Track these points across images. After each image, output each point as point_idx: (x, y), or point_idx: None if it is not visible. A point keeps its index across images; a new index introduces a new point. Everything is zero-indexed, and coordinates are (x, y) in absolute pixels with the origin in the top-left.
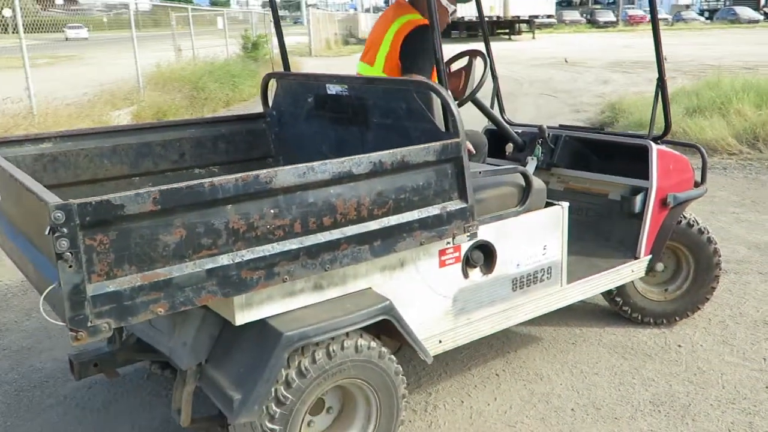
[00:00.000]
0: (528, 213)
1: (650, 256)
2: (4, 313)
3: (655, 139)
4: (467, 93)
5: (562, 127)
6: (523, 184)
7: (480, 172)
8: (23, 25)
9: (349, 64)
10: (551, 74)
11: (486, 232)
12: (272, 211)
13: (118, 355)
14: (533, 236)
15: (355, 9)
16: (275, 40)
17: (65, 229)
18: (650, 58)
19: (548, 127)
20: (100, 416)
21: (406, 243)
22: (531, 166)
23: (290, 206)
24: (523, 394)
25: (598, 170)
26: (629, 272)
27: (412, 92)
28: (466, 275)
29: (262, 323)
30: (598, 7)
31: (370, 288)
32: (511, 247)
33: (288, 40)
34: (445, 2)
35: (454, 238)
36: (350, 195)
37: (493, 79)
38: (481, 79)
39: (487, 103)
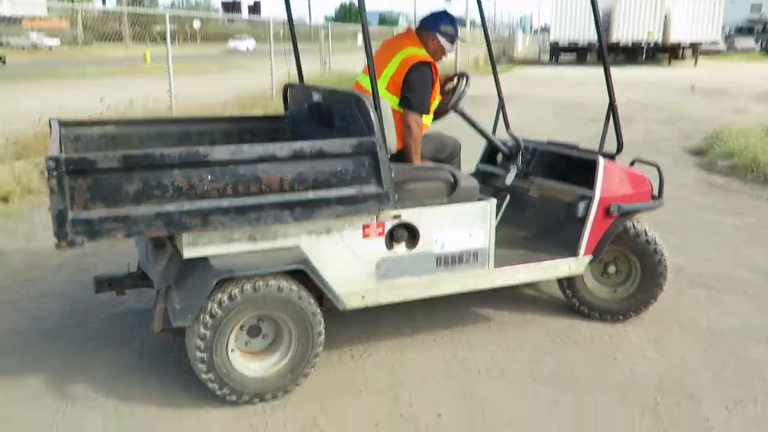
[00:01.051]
0: (454, 204)
1: (590, 257)
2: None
3: (611, 156)
4: (449, 106)
5: (549, 143)
6: (452, 181)
7: (404, 168)
8: (187, 37)
9: (484, 81)
10: (686, 101)
11: (410, 215)
12: (209, 176)
13: (126, 281)
14: (459, 224)
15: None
16: None
17: (55, 173)
18: None
19: (524, 141)
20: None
21: (324, 213)
22: (512, 173)
23: (224, 175)
24: (447, 356)
25: (562, 179)
26: (567, 268)
27: (352, 102)
28: (390, 247)
29: (204, 259)
30: None
31: (298, 246)
32: (435, 230)
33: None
34: (444, 42)
35: (378, 215)
36: (274, 171)
37: (498, 97)
38: (459, 96)
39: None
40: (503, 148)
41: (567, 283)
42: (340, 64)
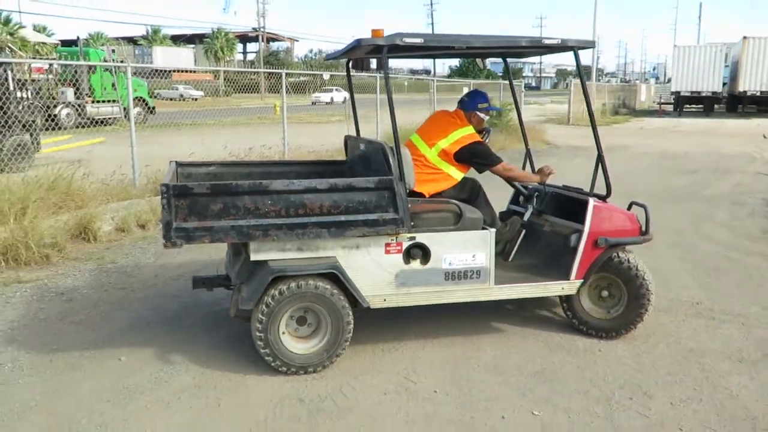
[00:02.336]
0: (460, 231)
1: (581, 281)
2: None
3: (602, 198)
4: None
5: (564, 186)
6: (458, 213)
7: (419, 201)
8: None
9: (580, 134)
10: None
11: (424, 238)
12: (269, 202)
13: (214, 280)
14: (464, 247)
15: (657, 78)
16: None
17: (165, 195)
18: None
19: (545, 185)
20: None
21: (353, 232)
22: (528, 211)
23: (279, 201)
24: (457, 354)
25: (566, 217)
26: (559, 288)
27: (380, 150)
28: (407, 262)
29: (264, 262)
30: None
31: (334, 256)
32: (444, 251)
33: (549, 108)
34: (482, 116)
35: (397, 236)
36: (315, 199)
37: (525, 144)
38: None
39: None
40: (523, 191)
41: (567, 305)
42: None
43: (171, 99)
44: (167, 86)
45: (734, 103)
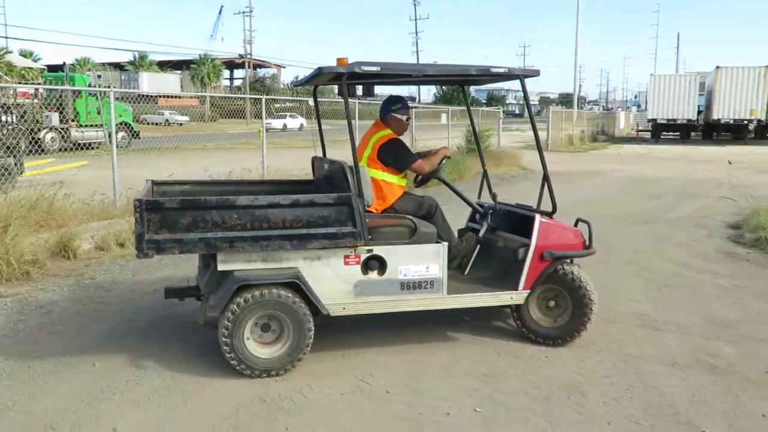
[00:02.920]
0: (414, 244)
1: (528, 291)
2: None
3: (548, 215)
4: (421, 177)
5: (517, 205)
6: (413, 227)
7: (376, 215)
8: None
9: (572, 159)
10: (765, 180)
11: (381, 250)
12: (235, 216)
13: (185, 290)
14: (418, 259)
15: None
16: (502, 135)
17: (138, 210)
18: None
19: (498, 203)
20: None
21: (314, 245)
22: (483, 228)
23: (245, 215)
24: (410, 359)
25: (516, 232)
26: (508, 298)
27: (339, 169)
28: (365, 273)
29: (231, 272)
30: None
31: (296, 267)
32: (399, 262)
33: (530, 135)
34: (400, 117)
35: (355, 249)
36: (279, 214)
37: (482, 165)
38: (438, 169)
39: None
40: (478, 209)
41: (517, 315)
42: (424, 142)
43: (156, 124)
44: (153, 111)
45: (709, 130)
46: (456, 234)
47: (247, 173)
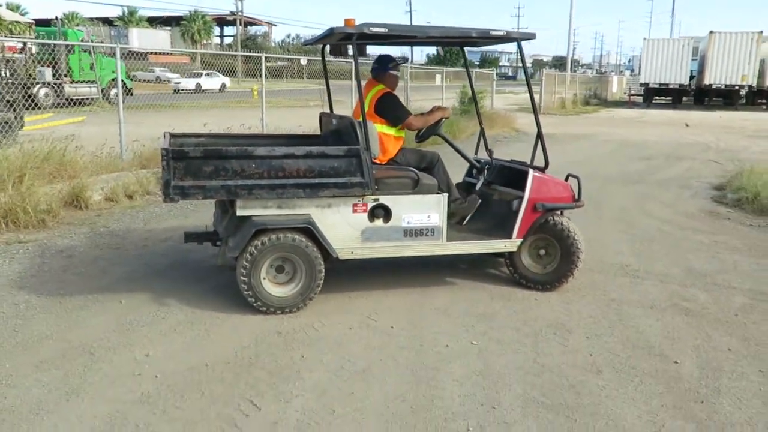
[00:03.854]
0: (417, 195)
1: (521, 239)
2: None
3: (541, 169)
4: (423, 133)
5: (512, 161)
6: (416, 179)
7: (383, 167)
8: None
9: (564, 122)
10: (751, 145)
11: (386, 200)
12: (253, 165)
13: (204, 235)
14: (420, 208)
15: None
16: (496, 97)
17: (165, 159)
18: None
19: (494, 159)
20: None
21: (324, 193)
22: (480, 182)
23: (262, 164)
24: (414, 300)
25: (511, 186)
26: (503, 246)
27: (349, 124)
28: (371, 220)
29: (249, 217)
30: None
31: (309, 214)
32: (403, 211)
33: (523, 97)
34: (396, 73)
35: (363, 198)
36: (293, 164)
37: (480, 124)
38: (436, 127)
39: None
40: (475, 164)
41: (510, 261)
42: (419, 103)
43: (147, 81)
44: (144, 68)
45: (701, 95)
46: (455, 188)
47: (247, 130)
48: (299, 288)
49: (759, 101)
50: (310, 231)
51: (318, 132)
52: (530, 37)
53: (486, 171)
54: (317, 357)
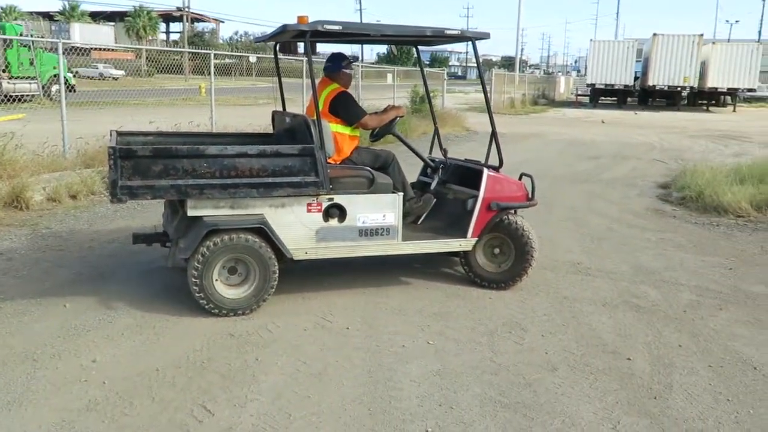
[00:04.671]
0: (372, 194)
1: (476, 239)
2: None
3: (495, 168)
4: (377, 131)
5: (466, 160)
6: (371, 178)
7: (337, 166)
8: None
9: (513, 121)
10: (693, 144)
11: (341, 199)
12: (205, 164)
13: (153, 236)
14: (375, 208)
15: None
16: (446, 97)
17: (113, 157)
18: None
19: (448, 158)
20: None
21: (278, 192)
22: (434, 181)
23: (214, 164)
24: (368, 300)
25: (465, 185)
26: (458, 245)
27: (303, 122)
28: (326, 220)
29: (200, 217)
30: None
31: (262, 214)
32: (358, 211)
33: (472, 96)
34: (349, 72)
35: (317, 197)
36: (246, 163)
37: (434, 123)
38: (391, 126)
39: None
40: (430, 163)
41: (465, 261)
42: (370, 101)
43: (90, 78)
44: (86, 64)
45: (645, 96)
46: (410, 187)
47: (195, 128)
48: (252, 289)
49: (700, 102)
50: (263, 231)
51: (271, 131)
52: (484, 36)
53: (441, 170)
54: (272, 360)
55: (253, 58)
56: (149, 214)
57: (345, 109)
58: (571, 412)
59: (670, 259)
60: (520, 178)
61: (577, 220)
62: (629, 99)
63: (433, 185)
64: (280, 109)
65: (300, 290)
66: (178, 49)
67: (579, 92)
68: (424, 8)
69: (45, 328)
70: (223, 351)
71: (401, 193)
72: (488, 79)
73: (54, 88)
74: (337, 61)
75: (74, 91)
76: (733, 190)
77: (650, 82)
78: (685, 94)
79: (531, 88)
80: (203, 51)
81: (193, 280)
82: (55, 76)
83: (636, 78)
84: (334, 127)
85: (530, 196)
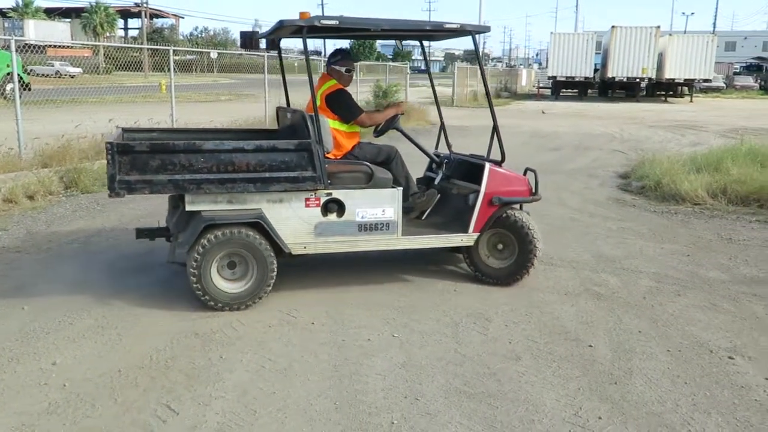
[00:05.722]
0: (371, 189)
1: (478, 233)
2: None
3: (498, 163)
4: (381, 127)
5: (471, 155)
6: (370, 173)
7: (336, 162)
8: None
9: (477, 114)
10: (653, 134)
11: (339, 194)
12: (202, 159)
13: (155, 231)
14: (374, 202)
15: (540, 64)
16: (410, 91)
17: (110, 152)
18: None
19: (453, 153)
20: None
21: (275, 187)
22: (438, 176)
23: (211, 158)
24: (329, 295)
25: (468, 180)
26: (459, 240)
27: (301, 118)
28: (325, 215)
29: (198, 212)
30: None
31: (260, 209)
32: (357, 206)
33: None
34: (338, 68)
35: (315, 192)
36: (243, 158)
37: (440, 119)
38: (393, 122)
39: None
40: (434, 158)
41: (467, 256)
42: None
43: (46, 76)
44: (42, 62)
45: (605, 88)
46: (414, 182)
47: (156, 125)
48: (251, 284)
49: (658, 93)
50: (261, 226)
51: (276, 126)
52: (485, 30)
53: (445, 165)
54: (236, 357)
55: (213, 54)
56: (108, 214)
57: (339, 106)
58: (534, 399)
59: (630, 247)
60: (524, 173)
61: (539, 211)
62: (590, 91)
63: (437, 180)
64: (284, 105)
65: (274, 288)
66: (137, 46)
67: (541, 85)
68: (386, 3)
69: (2, 331)
70: (187, 350)
71: (400, 188)
72: (450, 72)
73: (9, 86)
74: (332, 57)
75: (29, 89)
76: (690, 179)
77: (610, 74)
78: (643, 85)
79: (493, 81)
80: (162, 47)
81: (192, 272)
82: (9, 74)
83: (596, 70)
84: (332, 123)
85: (534, 190)
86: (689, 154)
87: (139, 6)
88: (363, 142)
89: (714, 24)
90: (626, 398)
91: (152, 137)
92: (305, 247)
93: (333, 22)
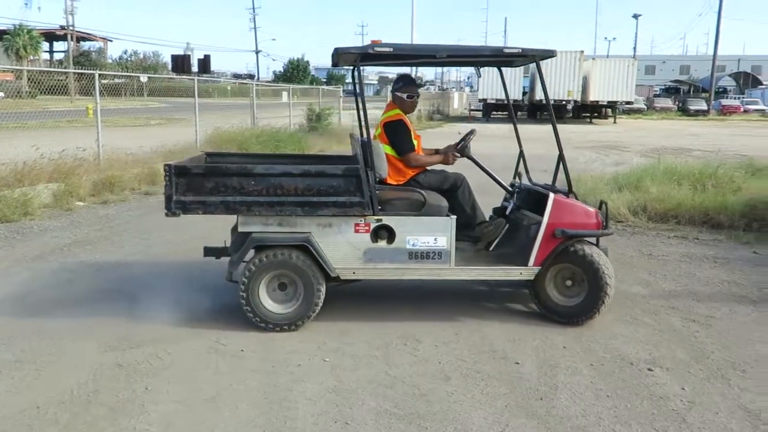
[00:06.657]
0: (423, 216)
1: (539, 268)
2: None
3: (564, 193)
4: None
5: (545, 186)
6: (422, 200)
7: (388, 188)
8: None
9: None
10: (579, 155)
11: (390, 220)
12: (252, 182)
13: (221, 250)
14: (426, 230)
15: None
16: (343, 114)
17: (168, 175)
18: (703, 145)
19: (520, 183)
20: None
21: (323, 212)
22: (510, 206)
23: (261, 182)
24: (251, 322)
25: (536, 211)
26: (518, 273)
27: (360, 146)
28: (374, 241)
29: (250, 233)
30: (692, 96)
31: (310, 232)
32: (408, 233)
33: (369, 114)
34: (403, 97)
35: (364, 217)
36: (291, 182)
37: (519, 146)
38: (466, 144)
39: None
40: (507, 188)
41: (533, 292)
42: (266, 120)
43: None
44: None
45: (534, 110)
46: (481, 211)
47: (82, 152)
48: (297, 307)
49: (584, 114)
50: (309, 249)
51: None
52: (550, 54)
53: (516, 195)
54: (162, 388)
55: (144, 78)
56: (29, 242)
57: (394, 137)
58: (463, 418)
59: None
60: (600, 206)
61: None
62: (519, 113)
63: (508, 210)
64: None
65: (194, 313)
66: (61, 70)
67: (472, 107)
68: (320, 26)
69: None
70: (111, 382)
71: (454, 217)
72: (384, 96)
73: None
74: (395, 84)
75: None
76: (613, 198)
77: (537, 97)
78: (570, 107)
79: (426, 104)
80: (88, 71)
81: (242, 293)
82: None
83: (524, 93)
84: (390, 151)
85: (605, 224)
86: (612, 174)
87: (65, 29)
88: (429, 170)
89: (634, 48)
90: (551, 413)
91: (235, 161)
92: (354, 272)
93: (387, 50)
